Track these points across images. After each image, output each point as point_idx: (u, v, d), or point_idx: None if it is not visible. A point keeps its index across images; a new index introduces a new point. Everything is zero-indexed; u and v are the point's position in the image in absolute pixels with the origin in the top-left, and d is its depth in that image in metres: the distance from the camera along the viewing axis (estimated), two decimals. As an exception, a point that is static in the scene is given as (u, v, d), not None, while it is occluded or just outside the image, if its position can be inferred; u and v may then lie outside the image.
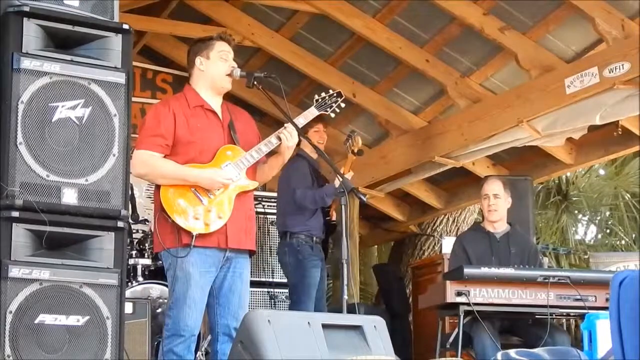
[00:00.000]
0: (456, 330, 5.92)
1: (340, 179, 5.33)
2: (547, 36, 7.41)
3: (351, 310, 5.58)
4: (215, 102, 5.16)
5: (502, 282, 5.87)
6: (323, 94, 5.34)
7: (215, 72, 5.12)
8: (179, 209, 4.91)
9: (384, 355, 4.30)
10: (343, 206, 6.01)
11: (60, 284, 3.90)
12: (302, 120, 5.22)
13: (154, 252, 6.24)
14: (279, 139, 5.09)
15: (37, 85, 3.97)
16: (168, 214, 4.90)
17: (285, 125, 5.13)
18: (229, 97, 9.72)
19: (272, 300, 7.80)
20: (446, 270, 7.10)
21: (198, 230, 4.89)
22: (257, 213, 7.79)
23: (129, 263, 6.85)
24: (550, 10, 7.22)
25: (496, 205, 6.47)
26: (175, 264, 4.90)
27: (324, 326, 4.26)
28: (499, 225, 6.52)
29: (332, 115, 5.39)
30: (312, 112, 5.29)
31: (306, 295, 6.83)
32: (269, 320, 4.15)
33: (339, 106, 5.35)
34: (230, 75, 5.13)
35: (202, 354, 6.51)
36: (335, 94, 5.35)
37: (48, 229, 3.87)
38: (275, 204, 7.64)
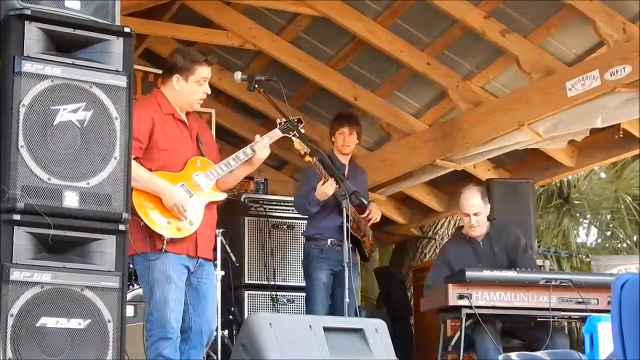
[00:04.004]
0: (458, 333, 5.92)
1: (342, 182, 5.34)
2: (549, 39, 7.41)
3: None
4: (183, 112, 5.25)
5: (504, 285, 5.86)
6: (284, 120, 5.56)
7: (188, 95, 5.19)
8: (151, 212, 4.98)
9: (385, 357, 4.30)
10: (344, 209, 6.02)
11: (62, 287, 3.89)
12: (267, 140, 5.35)
13: (128, 254, 6.28)
14: (254, 150, 5.23)
15: (38, 88, 3.96)
16: (141, 217, 4.95)
17: (257, 139, 5.28)
18: (230, 100, 9.73)
19: (274, 304, 7.80)
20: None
21: (170, 234, 4.97)
22: (260, 216, 7.85)
23: (130, 266, 6.84)
24: (552, 13, 7.22)
25: (478, 222, 6.39)
26: (152, 267, 4.95)
27: (326, 329, 4.27)
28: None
29: (294, 139, 5.62)
30: (277, 133, 5.50)
31: (312, 300, 6.84)
32: (270, 323, 4.16)
33: (299, 131, 5.59)
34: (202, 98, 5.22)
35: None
36: (296, 120, 5.63)
37: (50, 232, 3.87)
38: (277, 207, 7.88)
